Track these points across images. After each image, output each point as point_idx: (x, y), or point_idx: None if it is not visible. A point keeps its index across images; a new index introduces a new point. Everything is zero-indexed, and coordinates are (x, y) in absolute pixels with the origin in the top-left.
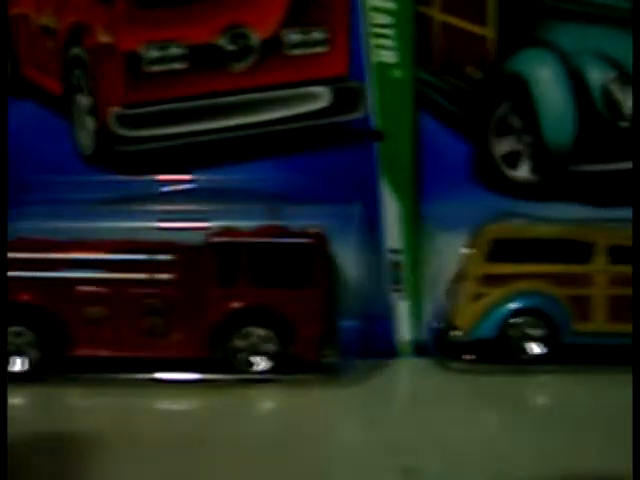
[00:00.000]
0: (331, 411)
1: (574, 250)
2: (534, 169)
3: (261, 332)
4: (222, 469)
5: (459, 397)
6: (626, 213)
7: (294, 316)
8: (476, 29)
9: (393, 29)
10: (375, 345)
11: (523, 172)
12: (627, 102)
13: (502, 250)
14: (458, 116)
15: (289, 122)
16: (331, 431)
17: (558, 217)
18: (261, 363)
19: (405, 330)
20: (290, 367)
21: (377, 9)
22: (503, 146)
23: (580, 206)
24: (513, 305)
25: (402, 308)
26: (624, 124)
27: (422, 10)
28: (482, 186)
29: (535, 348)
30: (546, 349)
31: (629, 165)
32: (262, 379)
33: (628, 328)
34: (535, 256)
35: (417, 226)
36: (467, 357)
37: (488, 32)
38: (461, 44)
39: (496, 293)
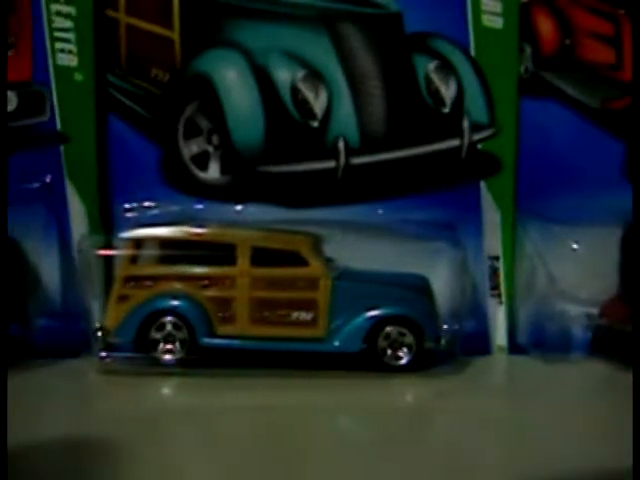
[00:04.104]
0: None
1: (219, 252)
2: (223, 170)
3: None
4: None
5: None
6: (317, 214)
7: None
8: (162, 31)
9: (74, 33)
10: (73, 344)
11: (213, 173)
12: (317, 101)
13: (148, 252)
14: (147, 119)
15: None
16: None
17: (249, 218)
18: None
19: None
20: None
21: (59, 14)
22: (192, 147)
23: (271, 207)
24: (152, 307)
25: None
26: (315, 124)
27: (109, 13)
28: (173, 188)
29: (176, 350)
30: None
31: (321, 165)
32: None
33: (269, 331)
34: (181, 258)
35: (106, 227)
36: (105, 356)
37: (174, 34)
38: (147, 47)
39: (139, 295)
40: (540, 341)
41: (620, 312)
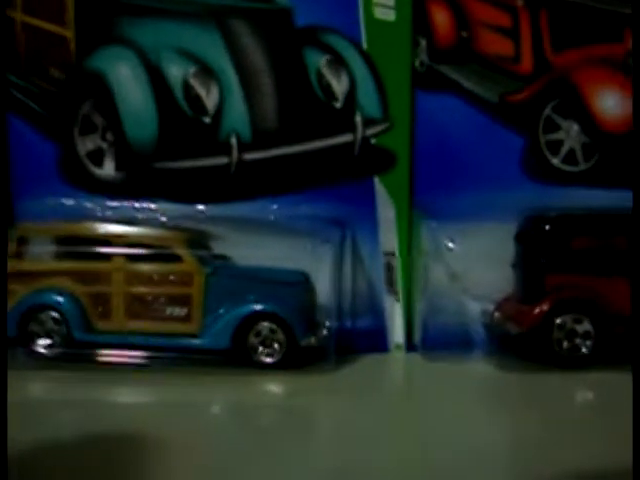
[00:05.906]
0: None
1: (95, 247)
2: (118, 167)
3: None
4: None
5: None
6: (210, 210)
7: None
8: (57, 29)
9: None
10: None
11: (108, 170)
12: (208, 97)
13: (33, 247)
14: (44, 117)
15: None
16: None
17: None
18: None
19: None
20: None
21: None
22: (87, 144)
23: (168, 203)
24: (31, 302)
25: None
26: (207, 120)
27: (7, 12)
28: (70, 184)
29: (55, 344)
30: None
31: (214, 161)
32: None
33: (145, 327)
34: (62, 253)
35: (11, 225)
36: None
37: (68, 32)
38: (44, 45)
39: (19, 290)
40: (437, 339)
41: (511, 310)
